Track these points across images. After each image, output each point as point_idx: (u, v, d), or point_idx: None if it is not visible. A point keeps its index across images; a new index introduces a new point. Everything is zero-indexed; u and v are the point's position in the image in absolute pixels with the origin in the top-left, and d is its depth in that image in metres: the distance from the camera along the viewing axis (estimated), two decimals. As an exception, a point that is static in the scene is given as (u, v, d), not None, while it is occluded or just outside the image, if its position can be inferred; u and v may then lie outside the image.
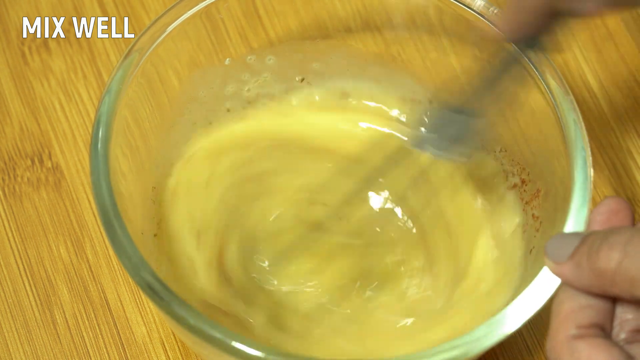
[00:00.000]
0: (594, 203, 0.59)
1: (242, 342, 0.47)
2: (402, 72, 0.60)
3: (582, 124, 0.52)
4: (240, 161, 0.60)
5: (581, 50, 0.66)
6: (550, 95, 0.53)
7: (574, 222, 0.50)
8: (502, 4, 0.66)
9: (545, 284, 0.49)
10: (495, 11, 0.55)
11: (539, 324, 0.59)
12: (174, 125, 0.59)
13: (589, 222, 0.50)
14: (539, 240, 0.54)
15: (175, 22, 0.55)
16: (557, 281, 0.49)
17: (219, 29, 0.59)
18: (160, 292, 0.49)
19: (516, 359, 0.59)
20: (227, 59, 0.59)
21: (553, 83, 0.53)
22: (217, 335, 0.48)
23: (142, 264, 0.49)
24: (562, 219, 0.50)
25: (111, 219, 0.50)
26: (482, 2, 0.55)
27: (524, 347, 0.59)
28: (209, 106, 0.60)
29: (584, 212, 0.50)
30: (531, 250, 0.55)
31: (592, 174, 0.51)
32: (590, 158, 0.51)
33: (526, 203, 0.57)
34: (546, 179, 0.55)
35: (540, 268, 0.49)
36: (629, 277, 0.45)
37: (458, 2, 0.55)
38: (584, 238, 0.47)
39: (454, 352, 0.48)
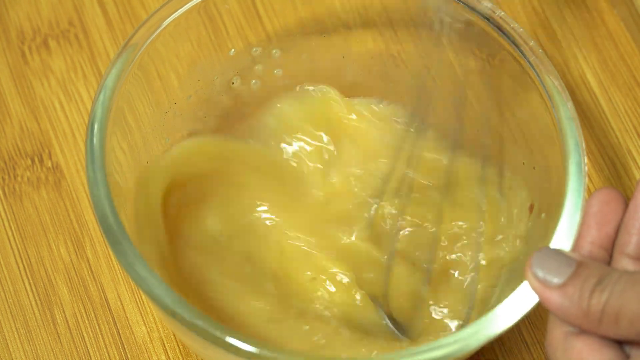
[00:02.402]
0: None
1: (236, 337, 0.47)
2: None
3: (580, 130, 0.52)
4: None
5: (581, 50, 0.66)
6: (549, 101, 0.53)
7: (566, 228, 0.50)
8: (502, 4, 0.66)
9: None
10: (501, 14, 0.54)
11: (538, 321, 0.60)
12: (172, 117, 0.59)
13: (584, 214, 0.50)
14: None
15: (173, 16, 0.55)
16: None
17: (217, 23, 0.59)
18: (154, 287, 0.48)
19: (515, 357, 0.59)
20: (232, 50, 0.59)
21: (552, 87, 0.53)
22: (211, 330, 0.47)
23: (137, 259, 0.49)
24: (554, 225, 0.50)
25: (107, 215, 0.50)
26: (489, 4, 0.54)
27: (523, 345, 0.59)
28: (207, 98, 0.60)
29: (576, 219, 0.50)
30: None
31: (586, 181, 0.50)
32: (586, 167, 0.51)
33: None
34: (541, 186, 0.55)
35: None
36: (613, 314, 0.45)
37: (461, 2, 0.55)
38: (578, 270, 0.47)
39: (440, 352, 0.47)
